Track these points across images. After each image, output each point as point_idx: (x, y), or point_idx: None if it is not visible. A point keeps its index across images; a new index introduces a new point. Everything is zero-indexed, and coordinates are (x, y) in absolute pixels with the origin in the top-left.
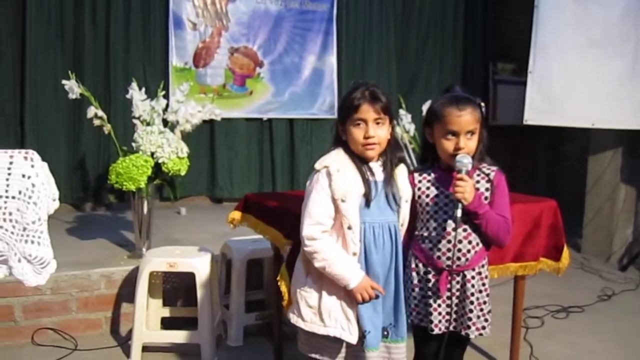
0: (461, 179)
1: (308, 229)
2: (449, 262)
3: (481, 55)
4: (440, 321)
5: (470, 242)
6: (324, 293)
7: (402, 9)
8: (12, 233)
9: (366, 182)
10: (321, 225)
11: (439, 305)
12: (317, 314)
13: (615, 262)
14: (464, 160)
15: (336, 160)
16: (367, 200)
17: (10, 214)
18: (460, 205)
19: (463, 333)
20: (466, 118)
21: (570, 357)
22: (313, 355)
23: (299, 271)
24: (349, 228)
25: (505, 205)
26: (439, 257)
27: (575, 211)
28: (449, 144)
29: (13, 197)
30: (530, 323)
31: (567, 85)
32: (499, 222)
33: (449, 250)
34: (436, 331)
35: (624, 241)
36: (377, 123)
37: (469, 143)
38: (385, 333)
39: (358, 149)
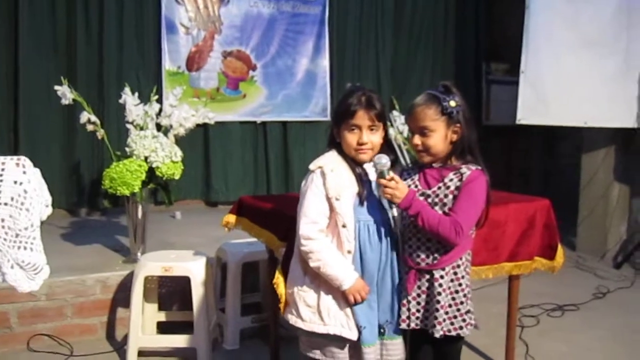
0: (389, 179)
1: (304, 227)
2: (419, 260)
3: (474, 55)
4: (408, 317)
5: (439, 242)
6: (322, 292)
7: (393, 10)
8: (5, 240)
9: (360, 181)
10: (317, 224)
11: (408, 302)
12: (317, 313)
13: (609, 259)
14: (382, 161)
15: (330, 161)
16: (361, 198)
17: (3, 220)
18: (394, 205)
19: (429, 332)
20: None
21: (566, 355)
22: (315, 355)
23: (296, 271)
24: (344, 226)
25: (464, 206)
26: (409, 255)
27: (570, 209)
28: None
29: (5, 204)
30: (526, 322)
31: (559, 85)
32: (439, 220)
33: (418, 247)
34: (403, 326)
35: (618, 239)
36: (371, 129)
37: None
38: (382, 330)
39: (351, 152)
